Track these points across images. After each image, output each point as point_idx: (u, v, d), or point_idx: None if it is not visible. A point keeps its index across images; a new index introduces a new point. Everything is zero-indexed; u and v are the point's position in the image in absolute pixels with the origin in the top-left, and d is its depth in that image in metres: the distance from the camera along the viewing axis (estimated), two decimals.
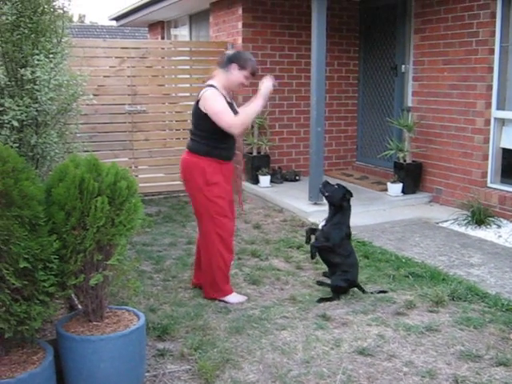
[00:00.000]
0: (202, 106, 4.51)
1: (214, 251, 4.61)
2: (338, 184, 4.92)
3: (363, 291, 4.77)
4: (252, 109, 4.57)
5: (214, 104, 4.46)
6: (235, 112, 4.60)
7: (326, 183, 4.94)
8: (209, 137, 4.54)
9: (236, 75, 4.56)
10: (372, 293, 4.76)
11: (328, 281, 4.96)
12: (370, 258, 5.63)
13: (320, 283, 5.02)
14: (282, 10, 9.08)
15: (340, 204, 4.78)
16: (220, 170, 4.58)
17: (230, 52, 4.73)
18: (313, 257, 4.81)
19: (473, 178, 7.37)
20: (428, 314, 4.39)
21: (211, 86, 4.56)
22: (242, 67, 4.56)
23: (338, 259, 4.74)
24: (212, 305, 4.55)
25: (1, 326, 2.82)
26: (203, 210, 4.60)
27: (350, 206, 4.84)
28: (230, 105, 4.59)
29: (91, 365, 3.07)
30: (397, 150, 8.10)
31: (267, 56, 9.05)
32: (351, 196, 4.84)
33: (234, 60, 4.56)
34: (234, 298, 4.68)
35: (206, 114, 4.48)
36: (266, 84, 4.60)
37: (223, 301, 4.63)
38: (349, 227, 4.86)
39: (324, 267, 5.05)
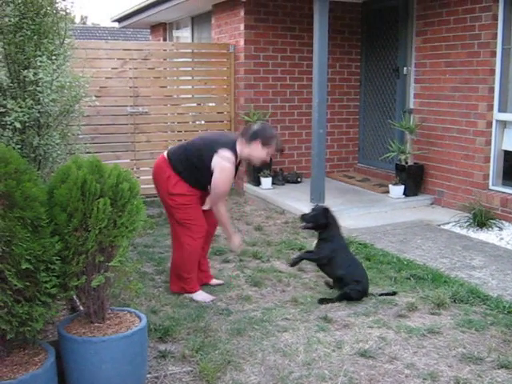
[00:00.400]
0: (214, 164, 4.50)
1: (184, 250, 4.72)
2: (313, 208, 4.96)
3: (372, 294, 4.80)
4: (224, 224, 4.73)
5: (223, 183, 4.51)
6: (236, 173, 4.71)
7: (302, 216, 4.96)
8: (191, 168, 4.61)
9: (259, 151, 4.59)
10: (381, 295, 4.76)
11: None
12: (371, 260, 5.62)
13: (327, 284, 5.02)
14: (284, 12, 9.09)
15: (326, 223, 4.82)
16: (185, 183, 4.64)
17: (255, 126, 4.70)
18: (293, 264, 5.01)
19: (474, 180, 7.37)
20: (430, 316, 4.39)
21: (234, 149, 4.55)
22: (265, 144, 4.57)
23: (340, 271, 4.74)
24: (213, 307, 4.56)
25: (3, 327, 2.83)
26: (172, 215, 4.76)
27: (334, 219, 4.87)
28: (236, 168, 4.66)
29: (93, 366, 3.07)
30: (398, 152, 8.10)
31: (269, 58, 9.06)
32: (330, 213, 4.87)
33: (259, 136, 4.56)
34: (199, 295, 4.77)
35: (209, 170, 4.51)
36: (235, 245, 4.84)
37: (191, 297, 4.77)
38: (342, 238, 4.90)
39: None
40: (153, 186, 4.68)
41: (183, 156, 4.65)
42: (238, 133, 4.86)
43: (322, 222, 4.82)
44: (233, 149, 4.54)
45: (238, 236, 4.93)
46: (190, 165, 4.60)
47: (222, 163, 4.47)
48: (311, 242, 6.19)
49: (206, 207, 4.79)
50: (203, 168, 4.54)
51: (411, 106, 8.59)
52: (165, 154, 4.76)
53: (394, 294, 4.79)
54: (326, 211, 4.85)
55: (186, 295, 4.78)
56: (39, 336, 3.17)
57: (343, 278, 4.71)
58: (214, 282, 5.09)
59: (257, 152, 4.59)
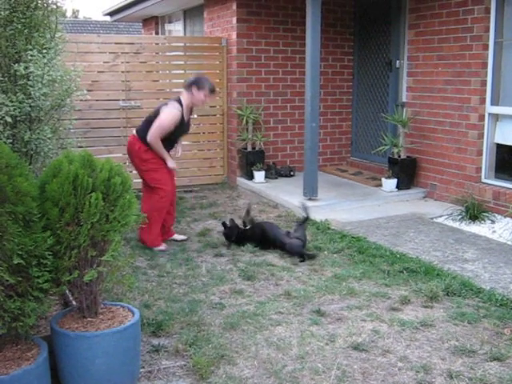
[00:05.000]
0: (162, 110, 5.73)
1: (152, 209, 5.78)
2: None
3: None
4: (165, 157, 5.79)
5: (165, 120, 5.67)
6: (187, 127, 6.02)
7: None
8: None
9: (197, 95, 5.80)
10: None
11: None
12: (364, 253, 5.63)
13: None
14: (277, 5, 9.06)
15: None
16: (154, 154, 5.77)
17: (191, 78, 5.94)
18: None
19: (467, 173, 7.38)
20: (422, 309, 4.40)
21: (178, 101, 5.79)
22: (200, 88, 5.78)
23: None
24: (207, 301, 4.55)
25: None
26: (144, 179, 5.92)
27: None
28: (185, 125, 5.90)
29: (86, 361, 3.06)
30: (391, 145, 8.11)
31: (262, 51, 9.03)
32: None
33: (194, 83, 5.79)
34: (160, 247, 5.88)
35: (158, 115, 5.71)
36: (171, 166, 5.86)
37: (152, 248, 5.85)
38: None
39: None
40: None
41: (146, 123, 5.79)
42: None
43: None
44: (178, 101, 5.79)
45: (173, 162, 5.90)
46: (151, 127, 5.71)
47: (169, 107, 5.73)
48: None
49: (177, 154, 6.17)
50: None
51: (404, 100, 8.59)
52: (134, 132, 5.93)
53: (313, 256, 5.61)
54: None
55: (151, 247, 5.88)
56: (32, 331, 3.16)
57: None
58: (176, 236, 6.19)
59: (196, 96, 5.79)
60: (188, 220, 6.87)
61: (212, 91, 5.89)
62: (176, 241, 6.13)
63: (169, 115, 5.69)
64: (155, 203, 5.82)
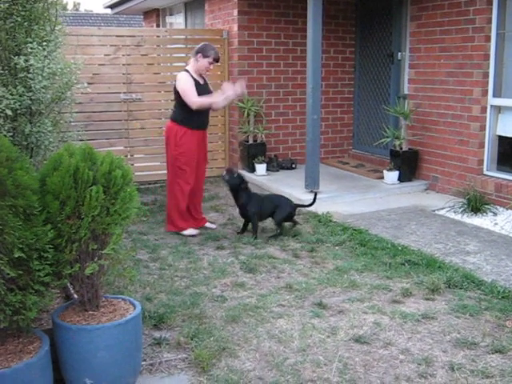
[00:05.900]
0: (176, 85, 5.99)
1: (173, 195, 6.11)
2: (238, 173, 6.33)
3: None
4: (212, 100, 6.02)
5: (183, 84, 5.91)
6: (208, 91, 6.14)
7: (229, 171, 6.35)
8: (182, 109, 5.97)
9: (202, 62, 6.03)
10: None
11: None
12: (366, 245, 5.62)
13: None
14: None
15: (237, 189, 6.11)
16: (190, 136, 5.99)
17: (197, 46, 6.15)
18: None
19: (469, 165, 7.37)
20: (424, 301, 4.40)
21: (185, 70, 6.05)
22: (205, 56, 6.00)
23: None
24: (208, 293, 4.56)
25: None
26: (170, 163, 6.11)
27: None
28: (202, 85, 6.07)
29: (87, 354, 3.06)
30: (393, 137, 8.09)
31: (263, 43, 9.01)
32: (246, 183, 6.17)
33: (200, 51, 6.02)
34: (187, 231, 6.13)
35: (178, 91, 5.95)
36: (236, 91, 6.14)
37: (180, 234, 6.12)
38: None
39: None
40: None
41: (174, 108, 6.15)
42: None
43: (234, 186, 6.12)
44: (184, 70, 6.04)
45: (220, 95, 6.14)
46: (179, 106, 6.02)
47: (178, 76, 6.01)
48: (306, 228, 6.20)
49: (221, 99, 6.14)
50: (182, 99, 5.92)
51: (406, 92, 8.57)
52: (169, 120, 6.19)
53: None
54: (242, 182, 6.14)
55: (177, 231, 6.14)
56: (33, 324, 3.17)
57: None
58: (208, 224, 6.39)
59: (201, 63, 6.02)
60: None
61: (216, 60, 6.11)
62: (208, 228, 6.36)
63: (181, 80, 5.93)
64: (179, 188, 6.05)
